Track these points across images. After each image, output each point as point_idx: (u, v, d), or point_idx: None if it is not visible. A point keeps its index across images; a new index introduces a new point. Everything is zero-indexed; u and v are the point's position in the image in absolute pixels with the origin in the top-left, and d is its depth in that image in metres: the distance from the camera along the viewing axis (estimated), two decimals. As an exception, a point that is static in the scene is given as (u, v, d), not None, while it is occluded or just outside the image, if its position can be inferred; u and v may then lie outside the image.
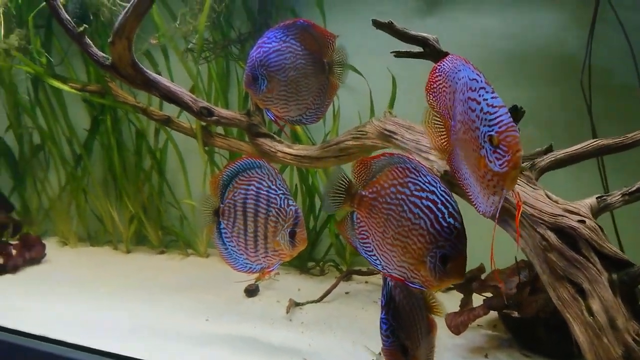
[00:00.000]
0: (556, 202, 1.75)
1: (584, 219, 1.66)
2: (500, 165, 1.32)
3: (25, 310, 2.56)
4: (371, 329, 2.33)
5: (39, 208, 3.98)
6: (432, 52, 1.86)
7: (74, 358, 2.11)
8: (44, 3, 3.20)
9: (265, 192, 1.99)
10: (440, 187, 1.47)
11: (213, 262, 3.40)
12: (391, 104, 2.91)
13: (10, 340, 2.26)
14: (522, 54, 2.78)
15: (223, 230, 2.08)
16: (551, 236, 1.67)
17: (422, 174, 1.50)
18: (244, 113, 2.79)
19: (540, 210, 1.72)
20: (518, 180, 1.83)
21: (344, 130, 2.52)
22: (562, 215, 1.69)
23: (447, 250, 1.42)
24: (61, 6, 2.57)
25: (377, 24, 1.89)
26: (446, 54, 1.88)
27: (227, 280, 2.98)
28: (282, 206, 1.96)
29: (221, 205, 2.07)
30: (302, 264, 3.15)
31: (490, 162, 1.34)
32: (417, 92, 2.85)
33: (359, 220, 1.62)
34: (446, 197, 1.46)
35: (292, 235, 1.94)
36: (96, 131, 3.62)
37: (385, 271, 1.56)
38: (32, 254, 3.43)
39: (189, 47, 3.09)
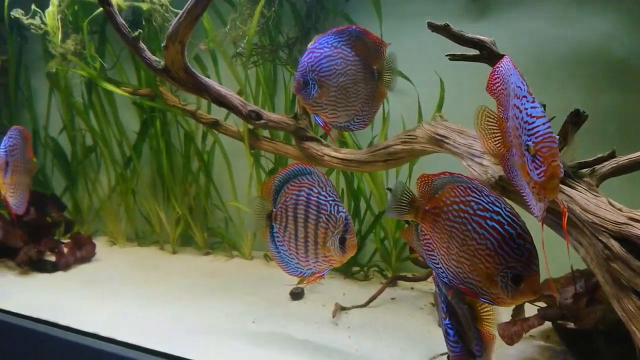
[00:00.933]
0: (620, 209, 1.68)
1: (650, 227, 1.59)
2: (537, 175, 1.33)
3: (76, 307, 2.65)
4: (419, 336, 2.31)
5: (89, 208, 4.11)
6: (489, 55, 1.82)
7: (123, 356, 2.16)
8: (99, 9, 3.34)
9: (315, 199, 2.00)
10: (505, 208, 1.46)
11: (257, 264, 3.43)
12: (439, 108, 2.88)
13: (65, 337, 2.34)
14: (577, 57, 2.70)
15: (275, 234, 2.11)
16: (615, 245, 1.61)
17: (485, 194, 1.49)
18: (291, 117, 2.81)
19: (603, 218, 1.66)
20: (578, 187, 1.78)
21: (392, 135, 2.51)
22: (627, 224, 1.62)
23: (519, 270, 1.40)
24: (117, 12, 2.65)
25: (433, 27, 1.87)
26: (504, 57, 1.84)
27: (271, 283, 3.01)
28: (332, 212, 1.97)
29: (273, 209, 2.10)
30: (346, 269, 3.13)
31: (530, 170, 1.36)
32: (464, 96, 2.87)
33: (423, 233, 1.64)
34: (512, 217, 1.44)
35: (342, 241, 1.94)
36: (145, 134, 3.71)
37: (453, 284, 1.55)
38: (83, 252, 3.54)
39: (237, 51, 3.13)
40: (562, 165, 1.32)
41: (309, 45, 2.27)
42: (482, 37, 1.83)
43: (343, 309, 2.60)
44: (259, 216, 2.12)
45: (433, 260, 1.61)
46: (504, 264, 1.42)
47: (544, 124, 1.33)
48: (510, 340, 2.04)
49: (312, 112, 2.26)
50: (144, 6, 3.24)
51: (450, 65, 2.85)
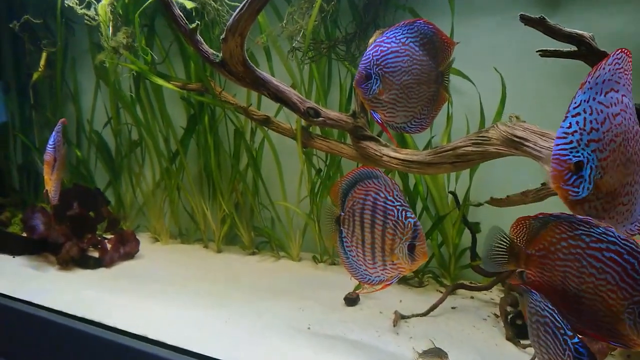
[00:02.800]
0: None
1: None
2: None
3: (123, 307, 2.57)
4: (487, 349, 2.17)
5: (132, 203, 4.07)
6: (587, 51, 1.67)
7: (165, 357, 2.08)
8: (148, 1, 3.29)
9: (382, 204, 1.91)
10: (619, 237, 1.29)
11: (305, 266, 3.33)
12: (501, 106, 2.73)
13: (107, 337, 2.27)
14: None
15: (344, 239, 2.03)
16: None
17: (593, 225, 1.31)
18: (349, 115, 2.70)
19: None
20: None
21: (457, 137, 2.38)
22: None
23: None
24: (174, 3, 2.58)
25: (526, 20, 1.74)
26: (604, 54, 1.70)
27: (324, 286, 2.91)
28: (400, 218, 1.87)
29: (341, 214, 2.03)
30: (400, 275, 3.01)
31: None
32: (527, 98, 2.73)
33: (529, 279, 1.49)
34: (630, 245, 1.28)
35: (412, 248, 1.84)
36: (193, 129, 3.64)
37: (576, 328, 1.40)
38: (126, 249, 3.49)
39: (293, 45, 3.03)
40: None
41: (376, 38, 2.17)
42: (581, 32, 1.69)
43: (403, 317, 2.47)
44: (328, 220, 2.06)
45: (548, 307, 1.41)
46: (628, 298, 1.27)
47: None
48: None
49: (370, 108, 2.16)
50: (197, -2, 3.17)
51: (512, 65, 2.79)
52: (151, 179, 3.92)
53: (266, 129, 3.24)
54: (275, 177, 3.41)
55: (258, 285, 2.95)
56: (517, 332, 2.27)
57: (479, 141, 2.26)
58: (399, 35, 2.10)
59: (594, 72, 1.25)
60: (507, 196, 2.44)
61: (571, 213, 1.39)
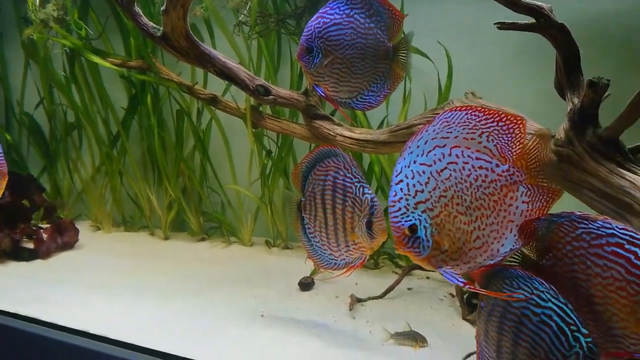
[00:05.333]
0: (691, 197, 1.53)
1: None
2: None
3: (61, 301, 2.39)
4: (445, 330, 2.15)
5: (70, 190, 3.82)
6: (545, 23, 1.62)
7: (115, 356, 1.93)
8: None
9: (341, 182, 1.85)
10: (617, 226, 1.25)
11: (258, 251, 3.21)
12: (448, 81, 2.69)
13: (42, 334, 2.08)
14: (610, 34, 2.54)
15: (306, 226, 1.95)
16: (690, 236, 1.45)
17: (591, 220, 1.29)
18: (301, 93, 2.59)
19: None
20: (641, 172, 1.62)
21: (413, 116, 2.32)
22: None
23: None
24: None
25: (487, -10, 1.66)
26: (562, 26, 1.66)
27: (277, 272, 2.81)
28: (358, 195, 1.81)
29: (302, 199, 1.94)
30: (355, 256, 2.95)
31: None
32: (487, 74, 2.70)
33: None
34: (630, 233, 1.23)
35: (369, 225, 1.76)
36: (135, 110, 3.42)
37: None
38: (64, 238, 3.28)
39: (239, 19, 2.87)
40: None
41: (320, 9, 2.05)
42: (539, 4, 1.63)
43: (359, 300, 2.42)
44: (291, 207, 1.99)
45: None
46: (638, 291, 1.22)
47: None
48: None
49: (312, 81, 2.08)
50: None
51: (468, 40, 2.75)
52: (90, 164, 3.67)
53: (214, 108, 3.08)
54: (225, 160, 3.26)
55: (209, 273, 2.82)
56: (473, 311, 2.25)
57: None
58: (343, 7, 1.99)
59: (415, 137, 1.28)
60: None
61: (570, 211, 1.35)
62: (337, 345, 2.00)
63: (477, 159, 1.32)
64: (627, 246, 1.23)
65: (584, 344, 1.22)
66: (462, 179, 1.30)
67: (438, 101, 2.69)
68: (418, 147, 1.28)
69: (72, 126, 3.69)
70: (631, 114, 1.55)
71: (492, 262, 1.35)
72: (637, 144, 1.69)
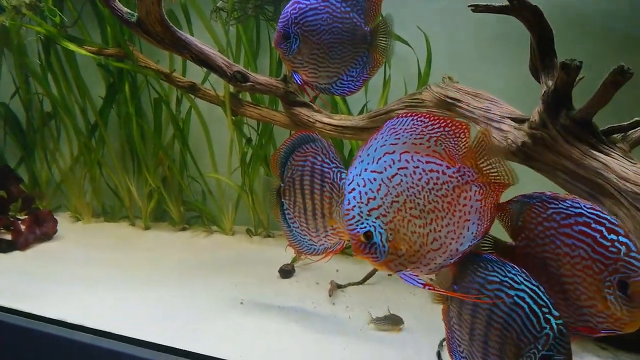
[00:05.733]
0: (661, 177, 1.55)
1: (699, 196, 1.47)
2: None
3: (39, 293, 2.35)
4: (424, 314, 2.16)
5: (49, 181, 3.76)
6: (519, 5, 1.62)
7: (97, 345, 1.91)
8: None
9: (319, 167, 1.85)
10: (585, 206, 1.28)
11: (239, 240, 3.20)
12: (427, 67, 2.69)
13: (25, 325, 2.06)
14: (586, 19, 2.55)
15: (286, 211, 1.95)
16: (659, 216, 1.47)
17: (561, 200, 1.32)
18: (280, 80, 2.57)
19: (644, 187, 1.52)
20: (613, 153, 1.63)
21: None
22: (673, 193, 1.49)
23: (622, 272, 1.21)
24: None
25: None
26: (535, 8, 1.66)
27: (258, 260, 2.81)
28: (335, 180, 1.81)
29: (282, 185, 1.94)
30: (336, 243, 2.95)
31: None
32: (466, 59, 2.70)
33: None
34: (597, 212, 1.26)
35: None
36: (113, 99, 3.37)
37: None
38: (43, 229, 3.23)
39: (217, 5, 2.83)
40: None
41: None
42: (513, -15, 1.63)
43: (339, 286, 2.42)
44: (270, 193, 1.97)
45: None
46: (604, 270, 1.23)
47: None
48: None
49: (291, 68, 2.06)
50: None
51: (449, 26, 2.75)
52: (69, 154, 3.61)
53: (193, 96, 3.05)
54: (205, 148, 3.23)
55: (189, 262, 2.80)
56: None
57: (413, 104, 2.20)
58: None
59: (365, 145, 1.30)
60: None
61: (542, 191, 1.38)
62: (316, 330, 2.00)
63: (427, 162, 1.34)
64: (593, 225, 1.25)
65: (555, 326, 1.23)
66: (413, 183, 1.32)
67: (418, 87, 2.68)
68: (368, 155, 1.29)
69: (49, 116, 3.63)
70: (603, 95, 1.56)
71: (452, 261, 1.37)
72: (609, 126, 1.71)
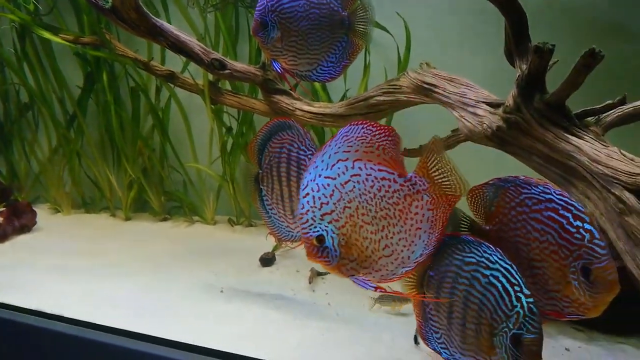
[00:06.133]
0: (632, 160, 1.56)
1: (668, 177, 1.48)
2: None
3: (18, 284, 2.32)
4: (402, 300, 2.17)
5: (27, 172, 3.71)
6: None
7: (79, 336, 1.89)
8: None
9: (295, 154, 1.87)
10: (555, 192, 1.31)
11: (221, 229, 3.19)
12: (407, 53, 2.69)
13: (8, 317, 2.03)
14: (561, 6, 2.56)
15: (264, 198, 1.96)
16: (630, 198, 1.49)
17: (533, 185, 1.35)
18: (258, 67, 2.55)
19: (615, 169, 1.54)
20: (585, 136, 1.64)
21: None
22: (643, 175, 1.50)
23: (585, 259, 1.24)
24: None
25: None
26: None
27: (239, 249, 2.80)
28: None
29: (260, 171, 1.95)
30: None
31: None
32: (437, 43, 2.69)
33: None
34: (565, 199, 1.28)
35: None
36: (91, 88, 3.33)
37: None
38: (22, 221, 3.19)
39: (195, -8, 2.80)
40: None
41: None
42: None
43: (319, 274, 2.42)
44: (248, 180, 1.99)
45: None
46: (569, 255, 1.25)
47: None
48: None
49: (270, 57, 2.07)
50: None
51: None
52: (47, 145, 3.56)
53: (172, 85, 3.01)
54: (185, 137, 3.20)
55: (170, 252, 2.79)
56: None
57: (390, 90, 2.20)
58: None
59: (320, 152, 1.33)
60: (420, 146, 2.41)
61: (515, 175, 1.41)
62: (295, 317, 2.01)
63: (379, 170, 1.37)
64: (561, 211, 1.27)
65: (525, 304, 1.25)
66: (365, 190, 1.34)
67: (398, 73, 2.68)
68: (322, 161, 1.32)
69: (27, 106, 3.57)
70: (575, 78, 1.57)
71: (405, 269, 1.40)
72: (583, 109, 1.72)
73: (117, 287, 2.28)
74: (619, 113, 1.74)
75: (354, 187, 1.33)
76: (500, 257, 1.33)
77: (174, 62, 2.98)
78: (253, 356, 1.70)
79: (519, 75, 1.70)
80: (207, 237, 3.06)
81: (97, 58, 3.17)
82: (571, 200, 1.27)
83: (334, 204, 1.30)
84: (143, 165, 3.36)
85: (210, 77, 2.78)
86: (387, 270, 1.38)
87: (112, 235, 3.11)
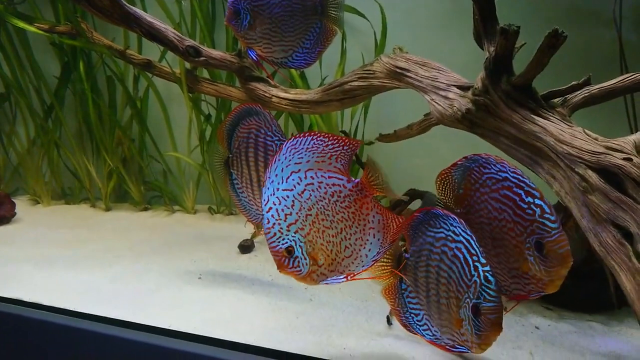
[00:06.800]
0: (596, 139, 1.59)
1: (629, 156, 1.50)
2: None
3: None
4: (378, 284, 2.19)
5: (6, 164, 3.68)
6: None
7: (57, 323, 1.89)
8: None
9: (262, 140, 1.91)
10: (510, 169, 1.36)
11: (201, 218, 3.19)
12: (383, 38, 2.71)
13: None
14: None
15: (235, 181, 1.99)
16: (592, 176, 1.51)
17: (492, 164, 1.41)
18: (234, 54, 2.54)
19: (579, 149, 1.56)
20: (551, 117, 1.67)
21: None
22: (605, 153, 1.52)
23: (538, 233, 1.26)
24: None
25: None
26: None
27: (218, 237, 2.81)
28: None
29: (230, 155, 1.98)
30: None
31: None
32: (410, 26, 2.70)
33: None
34: (518, 176, 1.32)
35: None
36: (68, 78, 3.30)
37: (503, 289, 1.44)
38: (0, 212, 3.17)
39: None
40: None
41: None
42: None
43: (297, 260, 2.44)
44: (218, 164, 2.02)
45: None
46: (523, 232, 1.28)
47: None
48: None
49: (245, 45, 2.09)
50: None
51: None
52: (25, 136, 3.53)
53: (149, 74, 3.00)
54: (164, 127, 3.19)
55: (149, 241, 2.79)
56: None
57: (364, 75, 2.20)
58: None
59: (271, 167, 1.37)
60: (395, 131, 2.44)
61: (479, 154, 1.46)
62: (271, 301, 2.02)
63: (329, 177, 1.45)
64: (515, 189, 1.30)
65: (481, 273, 1.27)
66: (321, 196, 1.41)
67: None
68: (277, 175, 1.37)
69: (3, 97, 3.54)
70: (540, 59, 1.58)
71: (364, 267, 1.47)
72: (549, 91, 1.74)
73: (96, 277, 2.28)
74: (586, 94, 1.76)
75: (311, 195, 1.40)
76: (463, 228, 1.38)
77: (152, 52, 2.97)
78: (228, 339, 1.71)
79: (487, 58, 1.72)
80: (187, 226, 3.07)
81: (74, 47, 3.14)
82: (523, 177, 1.30)
83: (297, 213, 1.36)
84: (122, 155, 3.35)
85: (188, 65, 2.77)
86: (349, 270, 1.46)
87: (92, 226, 3.10)
